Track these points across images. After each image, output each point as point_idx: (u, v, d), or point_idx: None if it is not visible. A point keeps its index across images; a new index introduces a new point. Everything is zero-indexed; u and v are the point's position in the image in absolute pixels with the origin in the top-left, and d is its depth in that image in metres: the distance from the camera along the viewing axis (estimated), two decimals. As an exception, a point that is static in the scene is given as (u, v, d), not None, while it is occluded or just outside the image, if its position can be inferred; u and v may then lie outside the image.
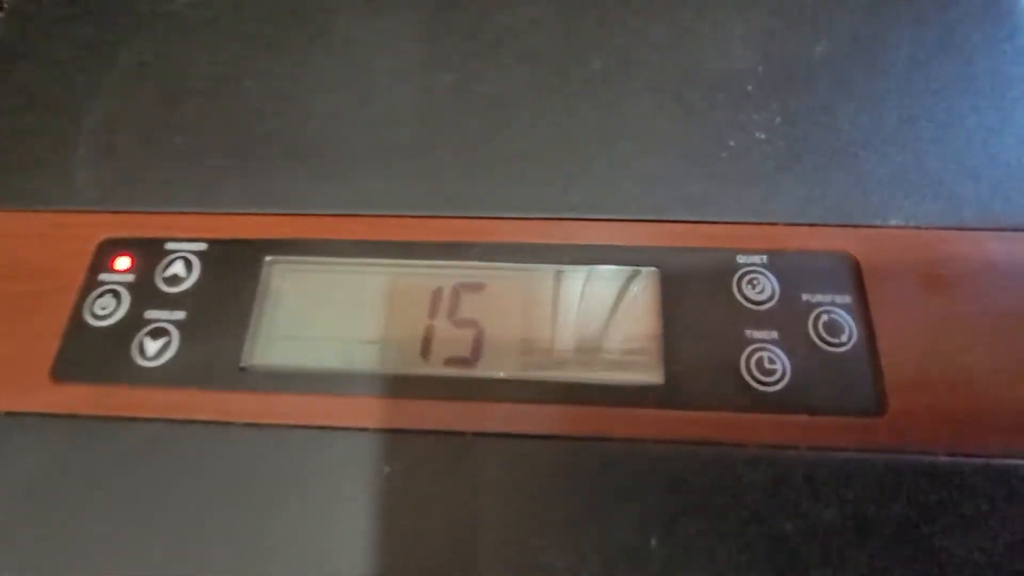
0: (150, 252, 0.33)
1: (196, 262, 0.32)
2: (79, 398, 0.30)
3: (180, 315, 0.31)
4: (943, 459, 0.26)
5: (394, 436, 0.28)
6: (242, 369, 0.30)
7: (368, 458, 0.28)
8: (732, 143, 0.33)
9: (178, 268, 0.32)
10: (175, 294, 0.32)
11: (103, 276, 0.32)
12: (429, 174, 0.33)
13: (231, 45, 0.37)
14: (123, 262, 0.33)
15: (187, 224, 0.33)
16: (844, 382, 0.28)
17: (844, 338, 0.29)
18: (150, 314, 0.31)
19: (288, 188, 0.33)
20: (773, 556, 0.25)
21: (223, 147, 0.34)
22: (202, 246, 0.33)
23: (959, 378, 0.28)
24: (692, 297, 0.30)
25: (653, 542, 0.26)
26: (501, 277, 0.32)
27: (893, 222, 0.31)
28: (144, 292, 0.32)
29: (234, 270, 0.32)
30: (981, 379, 0.28)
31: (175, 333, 0.31)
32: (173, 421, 0.29)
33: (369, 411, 0.29)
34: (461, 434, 0.28)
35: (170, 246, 0.33)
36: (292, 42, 0.37)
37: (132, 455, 0.29)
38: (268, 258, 0.32)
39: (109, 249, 0.33)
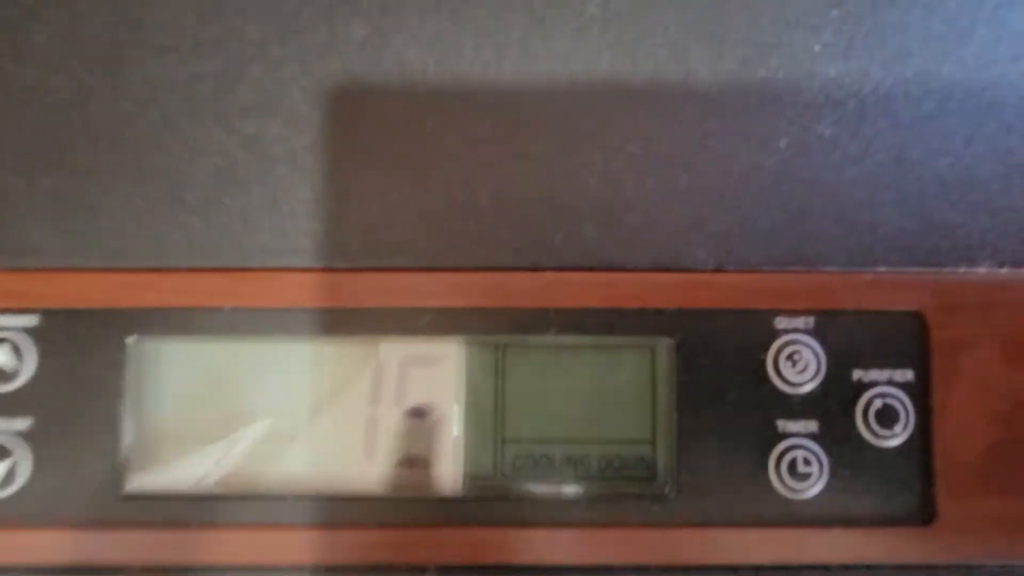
0: (-46, 332, 0.23)
1: (29, 345, 0.23)
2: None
3: (23, 423, 0.23)
4: (998, 573, 0.23)
5: (334, 575, 0.23)
6: (126, 497, 0.23)
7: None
8: (780, 144, 0.23)
9: (3, 356, 0.23)
10: (8, 393, 0.23)
11: None
12: (346, 209, 0.23)
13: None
14: (-82, 347, 0.23)
15: (3, 286, 0.23)
16: (889, 485, 0.23)
17: (898, 428, 0.23)
18: (-22, 424, 0.23)
19: (144, 228, 0.23)
20: None
21: (32, 161, 0.23)
22: (32, 320, 0.23)
23: (1025, 474, 0.23)
24: (715, 379, 0.23)
25: None
26: (463, 353, 0.23)
27: (983, 267, 0.23)
28: (-39, 393, 0.23)
29: (85, 356, 0.23)
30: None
31: (22, 450, 0.23)
32: (41, 570, 0.22)
33: (304, 543, 0.23)
34: (420, 570, 0.23)
35: (-17, 321, 0.23)
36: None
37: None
38: (131, 339, 0.23)
39: None
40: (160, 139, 0.23)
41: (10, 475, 0.23)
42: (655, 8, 0.24)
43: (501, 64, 0.23)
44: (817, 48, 0.24)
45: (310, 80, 0.23)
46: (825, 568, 0.23)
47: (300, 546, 0.23)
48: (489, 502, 0.23)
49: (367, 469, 0.23)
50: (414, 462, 0.23)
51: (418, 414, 0.23)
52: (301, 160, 0.23)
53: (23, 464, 0.23)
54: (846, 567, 0.23)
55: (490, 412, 0.23)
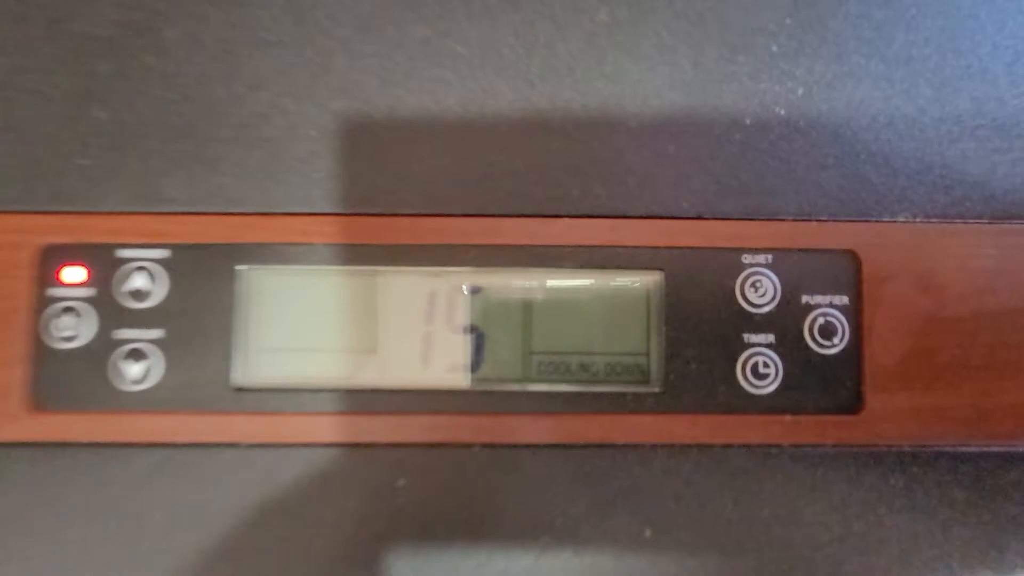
0: (103, 261, 0.29)
1: (161, 272, 0.29)
2: (64, 427, 0.29)
3: (156, 333, 0.29)
4: (910, 451, 0.29)
5: (400, 451, 0.29)
6: (236, 389, 0.29)
7: (376, 473, 0.29)
8: (746, 122, 0.30)
9: (141, 280, 0.29)
10: (144, 310, 0.29)
11: (53, 291, 0.29)
12: (411, 169, 0.30)
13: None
14: (75, 273, 0.29)
15: (137, 227, 0.29)
16: (829, 383, 0.30)
17: (836, 340, 0.30)
18: (121, 334, 0.29)
19: (253, 182, 0.29)
20: (758, 544, 0.29)
21: (166, 131, 0.29)
22: (164, 253, 0.29)
23: (934, 375, 0.30)
24: (695, 302, 0.30)
25: (648, 533, 0.29)
26: (500, 282, 0.30)
27: (901, 217, 0.30)
28: (108, 310, 0.29)
29: (205, 281, 0.29)
30: (954, 375, 0.30)
31: (155, 354, 0.29)
32: (169, 445, 0.29)
33: (372, 426, 0.29)
34: (468, 446, 0.29)
35: (123, 254, 0.29)
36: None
37: (128, 482, 0.29)
38: (240, 267, 0.30)
39: (55, 258, 0.29)
40: (268, 115, 0.30)
41: (146, 374, 0.29)
42: (653, 17, 0.30)
43: (532, 56, 0.30)
44: (775, 48, 0.31)
45: (391, 63, 0.30)
46: (778, 446, 0.30)
47: (370, 429, 0.29)
48: (519, 396, 0.30)
49: (424, 373, 0.30)
50: (461, 368, 0.30)
51: (464, 330, 0.30)
52: (375, 129, 0.30)
53: (156, 365, 0.29)
54: (794, 446, 0.30)
55: (519, 329, 0.30)
